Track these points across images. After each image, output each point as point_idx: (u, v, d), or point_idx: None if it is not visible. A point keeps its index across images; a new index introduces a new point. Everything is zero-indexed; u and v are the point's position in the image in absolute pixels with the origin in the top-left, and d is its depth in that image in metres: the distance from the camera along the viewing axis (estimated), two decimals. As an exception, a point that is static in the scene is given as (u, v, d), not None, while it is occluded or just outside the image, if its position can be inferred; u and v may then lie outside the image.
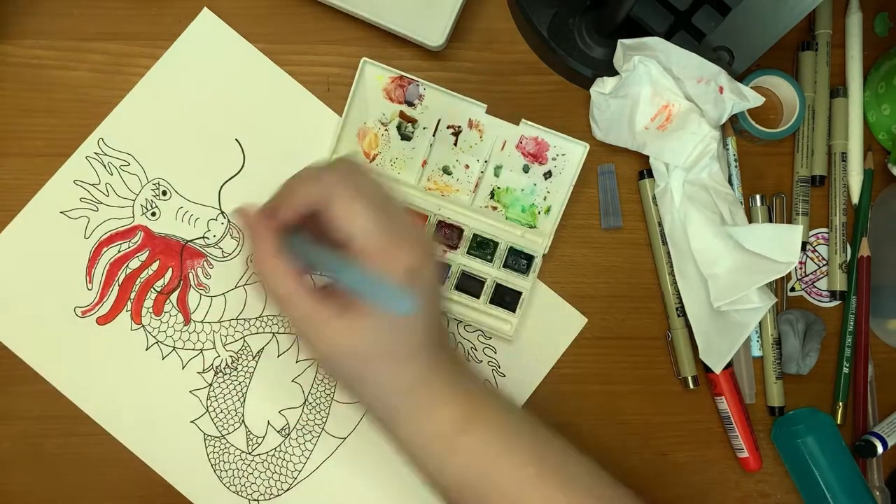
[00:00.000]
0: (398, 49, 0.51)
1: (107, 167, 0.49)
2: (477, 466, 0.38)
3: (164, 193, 0.49)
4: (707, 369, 0.49)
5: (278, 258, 0.36)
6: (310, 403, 0.49)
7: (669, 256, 0.50)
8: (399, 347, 0.37)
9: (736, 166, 0.51)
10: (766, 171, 0.53)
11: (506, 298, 0.49)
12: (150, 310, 0.49)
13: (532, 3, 0.50)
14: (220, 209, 0.50)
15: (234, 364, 0.49)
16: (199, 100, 0.50)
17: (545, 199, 0.50)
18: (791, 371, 0.51)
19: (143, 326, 0.49)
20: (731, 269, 0.46)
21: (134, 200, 0.49)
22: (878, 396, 0.52)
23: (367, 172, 0.38)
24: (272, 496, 0.48)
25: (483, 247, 0.49)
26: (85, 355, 0.48)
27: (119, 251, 0.49)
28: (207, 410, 0.48)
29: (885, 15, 0.55)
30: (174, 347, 0.49)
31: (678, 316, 0.50)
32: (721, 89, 0.46)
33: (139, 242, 0.49)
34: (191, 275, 0.49)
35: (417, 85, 0.48)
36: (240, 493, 0.48)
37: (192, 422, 0.48)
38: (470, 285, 0.49)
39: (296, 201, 0.37)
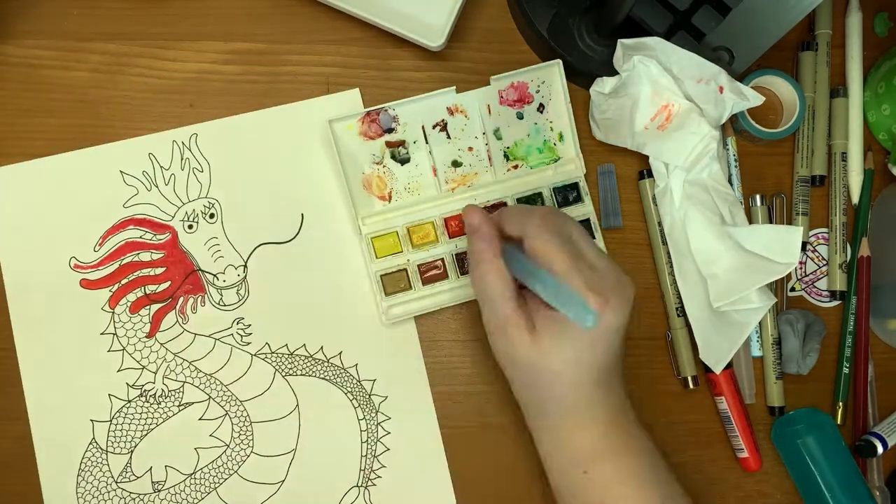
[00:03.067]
0: (398, 49, 0.51)
1: (183, 161, 0.49)
2: (602, 494, 0.41)
3: (212, 216, 0.49)
4: (707, 369, 0.49)
5: (500, 259, 0.41)
6: (194, 478, 0.48)
7: (669, 256, 0.50)
8: (568, 378, 0.40)
9: (736, 166, 0.51)
10: (766, 171, 0.53)
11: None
12: (129, 304, 0.49)
13: (532, 3, 0.50)
14: (245, 263, 0.49)
15: (160, 399, 0.48)
16: (298, 159, 0.50)
17: (552, 128, 0.51)
18: (791, 371, 0.51)
19: (113, 313, 0.48)
20: (731, 269, 0.46)
21: (183, 205, 0.49)
22: (878, 396, 0.52)
23: (568, 219, 0.43)
24: None
25: (532, 203, 0.50)
26: (53, 306, 0.48)
27: (141, 237, 0.49)
28: (110, 421, 0.48)
29: (885, 15, 0.55)
30: (124, 348, 0.48)
31: (678, 316, 0.50)
32: (721, 89, 0.46)
33: (162, 242, 0.49)
34: (182, 300, 0.49)
35: (386, 110, 0.48)
36: None
37: (91, 420, 0.48)
38: None
39: (504, 222, 0.43)
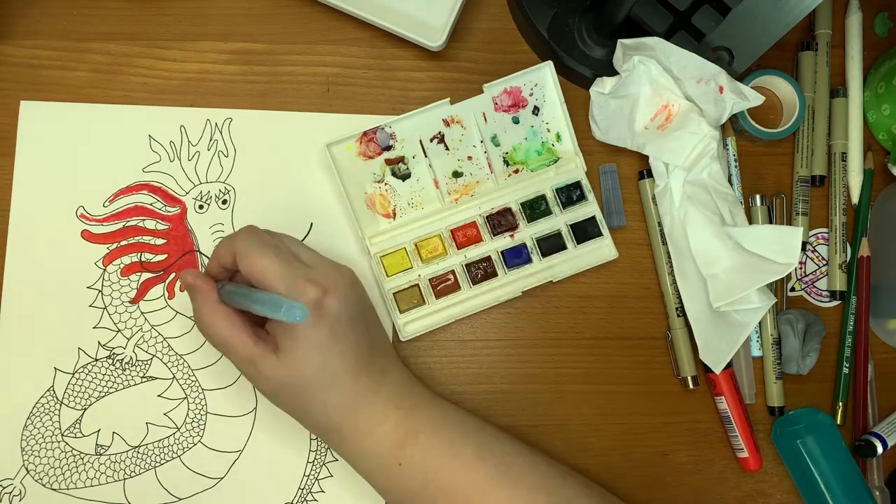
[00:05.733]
0: (398, 49, 0.51)
1: (211, 141, 0.49)
2: (422, 475, 0.41)
3: (224, 203, 0.49)
4: (707, 369, 0.49)
5: (218, 305, 0.41)
6: (137, 451, 0.48)
7: (669, 256, 0.50)
8: (326, 373, 0.40)
9: (736, 166, 0.51)
10: (766, 171, 0.53)
11: (587, 230, 0.50)
12: (122, 266, 0.49)
13: (532, 3, 0.50)
14: None
15: (126, 366, 0.48)
16: (321, 170, 0.50)
17: (549, 129, 0.51)
18: (791, 371, 0.51)
19: (104, 270, 0.48)
20: (731, 269, 0.46)
21: (200, 184, 0.49)
22: (878, 396, 0.52)
23: (266, 232, 0.43)
24: (44, 484, 0.47)
25: (535, 207, 0.50)
26: (49, 249, 0.48)
27: (151, 204, 0.49)
28: (73, 374, 0.48)
29: (885, 15, 0.55)
30: (105, 307, 0.48)
31: (678, 316, 0.50)
32: (721, 89, 0.46)
33: (170, 215, 0.49)
34: (173, 275, 0.49)
35: (382, 128, 0.48)
36: (24, 451, 0.47)
37: (55, 368, 0.48)
38: (553, 244, 0.50)
39: (216, 260, 0.43)
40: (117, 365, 0.48)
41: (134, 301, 0.49)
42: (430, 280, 0.49)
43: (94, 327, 0.48)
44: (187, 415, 0.48)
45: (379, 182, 0.50)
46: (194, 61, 0.50)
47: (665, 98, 0.48)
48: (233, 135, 0.50)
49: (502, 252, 0.50)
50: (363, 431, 0.42)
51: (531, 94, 0.50)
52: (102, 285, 0.48)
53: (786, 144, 0.53)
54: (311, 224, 0.50)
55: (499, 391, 0.50)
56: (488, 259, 0.50)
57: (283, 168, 0.50)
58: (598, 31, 0.50)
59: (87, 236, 0.49)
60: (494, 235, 0.50)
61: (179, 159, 0.49)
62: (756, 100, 0.46)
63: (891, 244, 0.52)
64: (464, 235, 0.50)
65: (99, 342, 0.48)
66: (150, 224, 0.49)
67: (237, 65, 0.51)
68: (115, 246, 0.49)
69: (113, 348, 0.48)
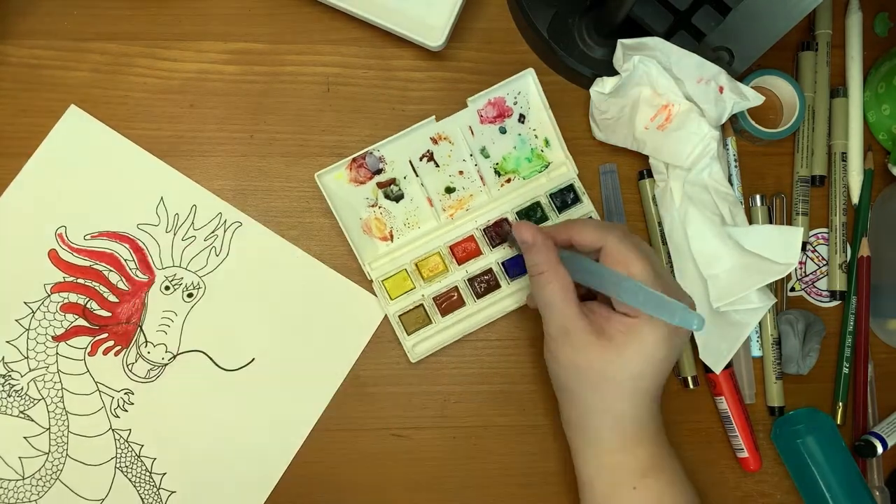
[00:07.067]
0: (398, 49, 0.51)
1: (212, 233, 0.49)
2: None
3: (190, 296, 0.48)
4: (707, 369, 0.49)
5: (561, 266, 0.41)
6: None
7: (669, 256, 0.50)
8: (631, 384, 0.40)
9: (736, 166, 0.51)
10: (766, 171, 0.53)
11: None
12: (65, 301, 0.48)
13: (532, 3, 0.50)
14: (175, 355, 0.48)
15: (11, 393, 0.47)
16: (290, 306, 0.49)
17: (536, 136, 0.51)
18: (791, 371, 0.51)
19: (48, 296, 0.48)
20: (731, 269, 0.46)
21: (179, 267, 0.48)
22: (878, 396, 0.52)
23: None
24: None
25: (531, 214, 0.50)
26: (13, 249, 0.48)
27: (126, 261, 0.48)
28: None
29: (885, 15, 0.55)
30: (28, 329, 0.47)
31: (678, 316, 0.50)
32: (721, 89, 0.46)
33: (136, 280, 0.48)
34: (104, 336, 0.48)
35: (371, 153, 0.48)
36: None
37: None
38: None
39: (577, 233, 0.42)
40: (5, 388, 0.47)
41: (57, 339, 0.48)
42: (433, 299, 0.49)
43: (7, 342, 0.47)
44: (38, 470, 0.47)
45: (373, 206, 0.49)
46: (194, 61, 0.50)
47: (665, 98, 0.48)
48: (234, 239, 0.49)
49: (503, 263, 0.50)
50: (618, 447, 0.41)
51: (515, 103, 0.50)
52: (38, 308, 0.48)
53: (786, 144, 0.53)
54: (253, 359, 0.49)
55: (499, 391, 0.50)
56: (490, 271, 0.49)
57: (263, 292, 0.49)
58: (598, 31, 0.50)
59: (53, 257, 0.48)
60: (493, 247, 0.50)
61: (175, 234, 0.49)
62: (756, 100, 0.46)
63: (891, 244, 0.52)
64: (463, 250, 0.50)
65: (3, 357, 0.47)
66: (114, 278, 0.48)
67: (237, 65, 0.51)
68: (71, 280, 0.48)
69: (11, 371, 0.47)
